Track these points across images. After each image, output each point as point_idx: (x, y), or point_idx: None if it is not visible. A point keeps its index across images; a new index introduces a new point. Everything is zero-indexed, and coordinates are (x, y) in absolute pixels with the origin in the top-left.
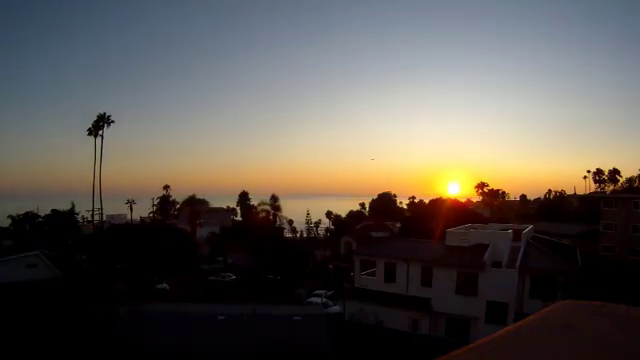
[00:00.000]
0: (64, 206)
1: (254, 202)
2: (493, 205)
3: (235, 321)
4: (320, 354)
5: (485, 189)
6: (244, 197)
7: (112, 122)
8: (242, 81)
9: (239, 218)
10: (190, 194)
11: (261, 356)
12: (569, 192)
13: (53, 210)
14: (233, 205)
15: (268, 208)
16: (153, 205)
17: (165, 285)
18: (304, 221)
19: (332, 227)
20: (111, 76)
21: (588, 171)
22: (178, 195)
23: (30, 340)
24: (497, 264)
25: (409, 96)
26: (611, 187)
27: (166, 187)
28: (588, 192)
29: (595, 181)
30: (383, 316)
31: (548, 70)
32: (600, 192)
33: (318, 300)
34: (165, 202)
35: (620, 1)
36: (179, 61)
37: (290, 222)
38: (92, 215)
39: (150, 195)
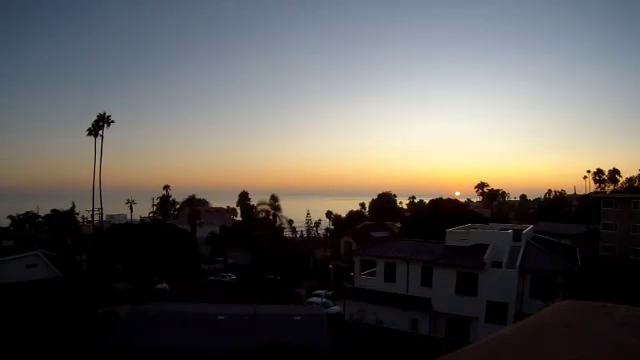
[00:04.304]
0: (64, 206)
1: (254, 202)
2: (493, 205)
3: (235, 321)
4: (320, 354)
5: (485, 189)
6: (244, 197)
7: (112, 122)
8: (242, 81)
9: (239, 218)
10: (190, 194)
11: (261, 356)
12: (569, 192)
13: (53, 210)
14: (233, 205)
15: (268, 208)
16: (153, 205)
17: (165, 285)
18: (304, 221)
19: (332, 227)
20: (111, 76)
21: (588, 171)
22: (178, 195)
23: (30, 340)
24: (497, 264)
25: (409, 96)
26: (611, 187)
27: (166, 187)
28: (588, 192)
29: (595, 181)
30: (383, 316)
31: (548, 70)
32: (600, 192)
33: (318, 300)
34: (165, 202)
35: (620, 1)
36: (179, 61)
37: (290, 222)
38: (92, 215)
39: (150, 195)
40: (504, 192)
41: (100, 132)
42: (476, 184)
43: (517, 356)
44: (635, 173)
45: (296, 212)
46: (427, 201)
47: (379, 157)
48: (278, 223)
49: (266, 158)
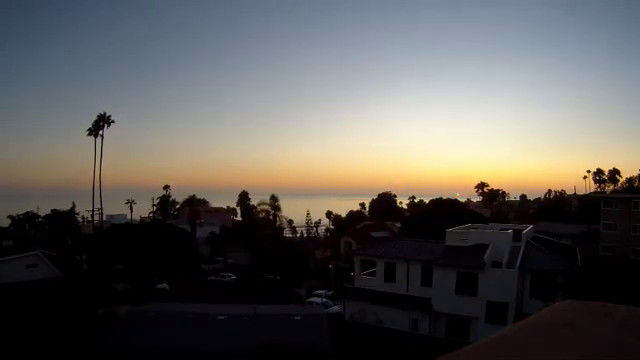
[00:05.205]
0: (64, 206)
1: (254, 202)
2: (493, 205)
3: (235, 321)
4: (320, 354)
5: (485, 189)
6: (244, 197)
7: (112, 122)
8: (242, 81)
9: (239, 218)
10: (190, 194)
11: (261, 356)
12: (569, 192)
13: (53, 210)
14: (233, 205)
15: (268, 208)
16: (153, 205)
17: (165, 285)
18: (304, 221)
19: (332, 227)
20: (111, 76)
21: (588, 171)
22: (178, 195)
23: (30, 340)
24: (497, 264)
25: (409, 96)
26: (611, 187)
27: (166, 187)
28: (588, 192)
29: (595, 181)
30: (383, 316)
31: (548, 70)
32: (600, 192)
33: (318, 300)
34: (165, 202)
35: (619, 3)
36: (179, 61)
37: (290, 222)
38: (92, 215)
39: (150, 195)
40: (504, 192)
41: (100, 132)
42: (476, 184)
43: (517, 356)
44: (635, 173)
45: (296, 212)
46: (427, 201)
47: (379, 157)
48: (278, 223)
49: (266, 158)
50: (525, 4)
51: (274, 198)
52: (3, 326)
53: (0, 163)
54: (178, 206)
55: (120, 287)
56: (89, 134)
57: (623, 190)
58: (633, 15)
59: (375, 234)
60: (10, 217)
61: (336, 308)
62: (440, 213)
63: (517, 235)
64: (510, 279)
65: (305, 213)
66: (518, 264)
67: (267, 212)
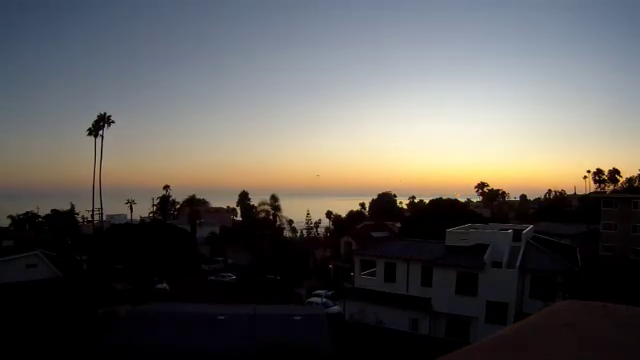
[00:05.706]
0: (64, 206)
1: (254, 202)
2: (493, 205)
3: (235, 321)
4: (320, 354)
5: (485, 189)
6: (244, 197)
7: (112, 122)
8: (242, 81)
9: (239, 218)
10: (190, 194)
11: (261, 356)
12: (569, 192)
13: (53, 210)
14: (233, 205)
15: (268, 208)
16: (153, 205)
17: (165, 285)
18: (304, 221)
19: (332, 227)
20: (111, 76)
21: (588, 171)
22: (178, 195)
23: (30, 340)
24: (497, 264)
25: (409, 96)
26: (611, 187)
27: (166, 187)
28: (588, 192)
29: (595, 181)
30: (383, 316)
31: (548, 70)
32: (600, 192)
33: (318, 300)
34: (165, 202)
35: (619, 3)
36: (179, 61)
37: (290, 222)
38: (92, 215)
39: (150, 195)
40: (504, 192)
41: (100, 132)
42: (476, 184)
43: (517, 356)
44: (635, 173)
45: (296, 212)
46: (427, 201)
47: (379, 157)
48: (278, 223)
49: (266, 158)
50: (526, 4)
51: (274, 198)
52: (3, 326)
53: (0, 163)
54: (178, 206)
55: (120, 287)
56: (89, 134)
57: (623, 190)
58: (633, 15)
59: (375, 234)
60: (10, 217)
61: (336, 308)
62: (440, 213)
63: (517, 235)
64: (510, 279)
65: (305, 213)
66: (518, 264)
67: (267, 212)
